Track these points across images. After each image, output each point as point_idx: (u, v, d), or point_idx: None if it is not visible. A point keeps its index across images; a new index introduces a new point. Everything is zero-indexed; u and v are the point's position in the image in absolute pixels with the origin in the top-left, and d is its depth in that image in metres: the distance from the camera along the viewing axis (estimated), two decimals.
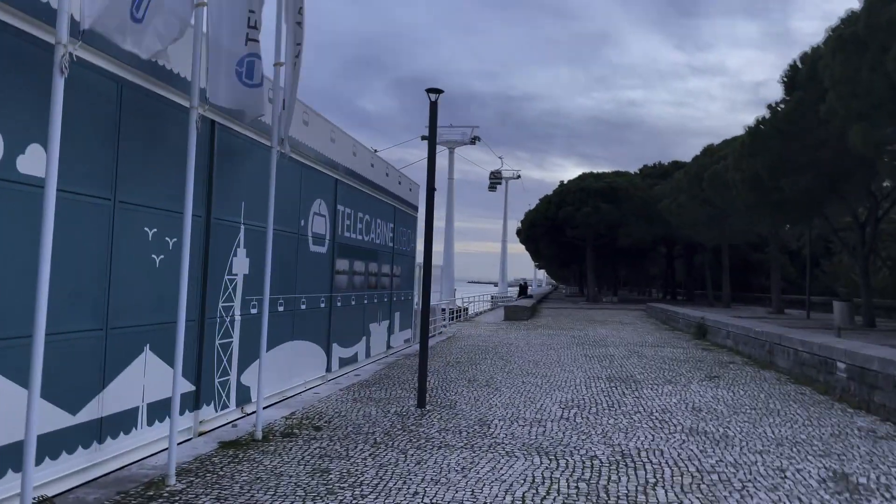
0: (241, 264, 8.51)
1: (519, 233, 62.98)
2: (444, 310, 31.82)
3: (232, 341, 8.41)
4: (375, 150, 17.77)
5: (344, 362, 12.82)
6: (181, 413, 7.33)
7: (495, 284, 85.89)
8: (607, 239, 50.64)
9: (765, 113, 19.43)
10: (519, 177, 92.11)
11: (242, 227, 8.56)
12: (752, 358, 15.93)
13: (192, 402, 7.59)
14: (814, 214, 21.02)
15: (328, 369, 11.93)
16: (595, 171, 52.65)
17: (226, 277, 8.22)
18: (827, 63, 14.56)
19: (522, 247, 71.04)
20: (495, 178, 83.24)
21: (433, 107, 9.55)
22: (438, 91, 9.51)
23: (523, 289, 52.98)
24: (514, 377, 12.36)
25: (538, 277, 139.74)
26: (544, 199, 54.14)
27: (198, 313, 7.61)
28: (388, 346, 16.16)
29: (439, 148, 67.52)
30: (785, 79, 18.82)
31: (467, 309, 39.71)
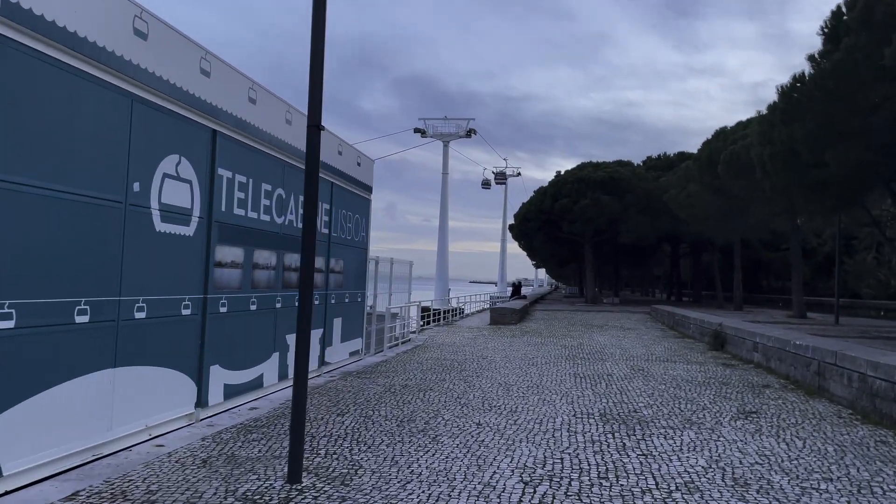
0: None
1: (511, 228, 59.07)
2: (427, 309, 28.31)
3: None
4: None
5: (235, 391, 9.19)
6: None
7: (496, 284, 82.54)
8: (608, 235, 46.87)
9: (803, 68, 15.64)
10: (519, 174, 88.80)
11: None
12: (792, 380, 12.28)
13: None
14: (860, 197, 17.22)
15: (200, 403, 8.31)
16: (595, 160, 48.82)
17: None
18: None
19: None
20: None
21: None
22: None
23: (517, 289, 49.22)
24: (469, 414, 8.72)
25: (539, 277, 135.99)
26: (539, 190, 50.21)
27: None
28: (323, 363, 12.54)
29: (432, 141, 63.25)
30: (826, 28, 15.09)
31: (462, 310, 36.62)
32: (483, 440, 7.34)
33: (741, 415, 9.15)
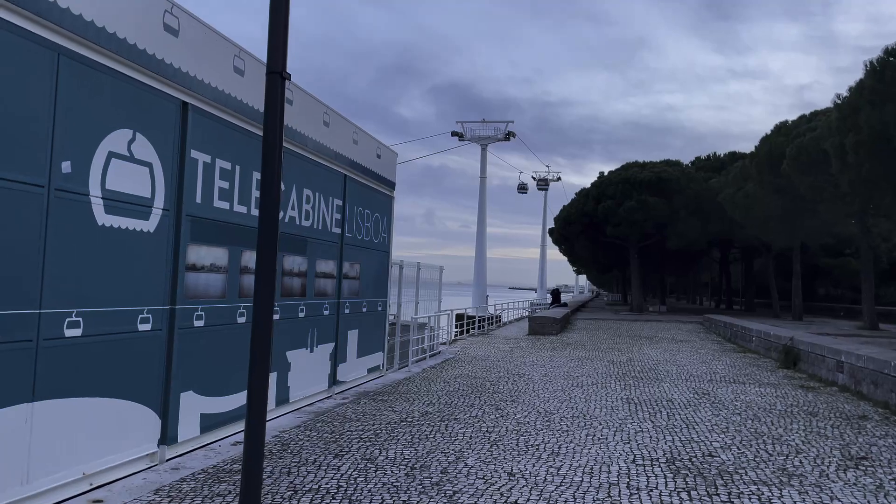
0: None
1: (552, 232, 56.80)
2: (468, 317, 26.66)
3: None
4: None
5: (217, 421, 7.58)
6: None
7: (535, 291, 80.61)
8: (655, 239, 44.36)
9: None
10: (560, 179, 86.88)
11: None
12: (893, 409, 10.18)
13: None
14: None
15: (166, 440, 6.70)
16: (641, 160, 46.36)
17: None
18: None
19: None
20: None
21: None
22: None
23: (556, 296, 47.03)
24: (500, 458, 6.94)
25: (580, 284, 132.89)
26: (581, 192, 47.91)
27: None
28: (335, 382, 10.90)
29: (469, 144, 61.22)
30: None
31: (500, 317, 34.97)
32: (515, 501, 5.55)
33: (849, 461, 7.17)
